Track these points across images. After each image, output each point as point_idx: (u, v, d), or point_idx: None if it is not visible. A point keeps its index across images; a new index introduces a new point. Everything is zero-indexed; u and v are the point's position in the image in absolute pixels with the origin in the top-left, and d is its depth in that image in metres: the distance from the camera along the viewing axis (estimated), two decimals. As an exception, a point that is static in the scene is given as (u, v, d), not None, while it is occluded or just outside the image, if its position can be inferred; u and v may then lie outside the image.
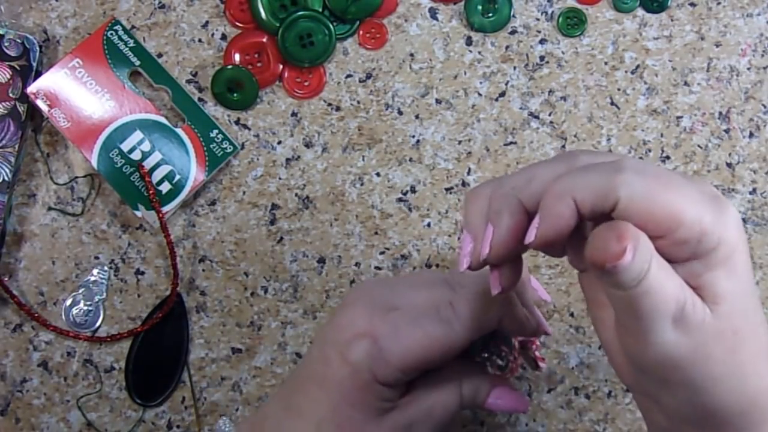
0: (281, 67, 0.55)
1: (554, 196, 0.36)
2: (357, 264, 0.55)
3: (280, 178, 0.55)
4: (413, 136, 0.55)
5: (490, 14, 0.55)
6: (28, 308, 0.54)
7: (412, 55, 0.55)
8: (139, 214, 0.54)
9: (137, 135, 0.54)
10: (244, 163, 0.55)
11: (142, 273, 0.55)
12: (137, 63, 0.54)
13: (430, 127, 0.55)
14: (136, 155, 0.54)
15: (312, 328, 0.55)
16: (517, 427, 0.54)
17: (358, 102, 0.55)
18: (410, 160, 0.55)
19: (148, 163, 0.54)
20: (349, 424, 0.43)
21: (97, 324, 0.55)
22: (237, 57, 0.55)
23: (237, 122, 0.55)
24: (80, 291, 0.55)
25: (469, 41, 0.55)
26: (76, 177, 0.55)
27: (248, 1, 0.55)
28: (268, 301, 0.55)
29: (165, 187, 0.54)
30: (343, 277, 0.55)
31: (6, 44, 0.53)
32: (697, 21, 0.55)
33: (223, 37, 0.56)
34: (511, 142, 0.55)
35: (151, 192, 0.53)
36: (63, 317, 0.55)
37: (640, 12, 0.55)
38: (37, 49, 0.53)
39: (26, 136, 0.55)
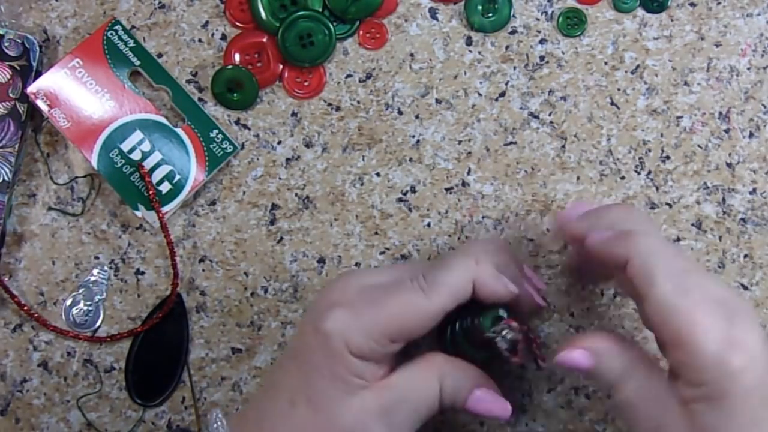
0: (281, 67, 0.55)
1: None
2: (357, 264, 0.55)
3: (280, 178, 0.55)
4: (413, 136, 0.55)
5: (490, 14, 0.55)
6: (28, 308, 0.54)
7: (412, 55, 0.55)
8: (139, 214, 0.54)
9: (137, 135, 0.54)
10: (244, 163, 0.55)
11: (142, 273, 0.55)
12: (137, 63, 0.54)
13: (430, 127, 0.55)
14: (136, 155, 0.54)
15: (312, 328, 0.55)
16: (518, 427, 0.54)
17: (358, 102, 0.55)
18: (410, 160, 0.55)
19: (148, 163, 0.54)
20: (319, 398, 0.43)
21: (97, 324, 0.55)
22: (237, 57, 0.55)
23: (237, 122, 0.55)
24: (80, 291, 0.55)
25: (469, 41, 0.56)
26: (76, 177, 0.55)
27: (248, 1, 0.55)
28: (268, 301, 0.55)
29: (165, 187, 0.54)
30: (343, 277, 0.55)
31: (6, 44, 0.53)
32: (697, 21, 0.55)
33: (223, 37, 0.56)
34: (511, 142, 0.55)
35: (151, 192, 0.53)
36: (63, 317, 0.55)
37: (640, 12, 0.55)
38: (37, 49, 0.53)
39: (26, 136, 0.55)
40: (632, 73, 0.55)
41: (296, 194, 0.55)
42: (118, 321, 0.55)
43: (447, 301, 0.43)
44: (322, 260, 0.55)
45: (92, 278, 0.55)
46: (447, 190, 0.55)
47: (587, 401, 0.54)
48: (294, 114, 0.55)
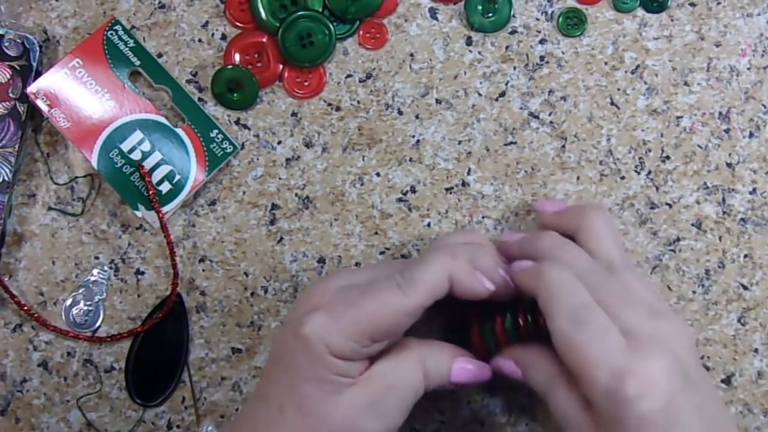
0: (281, 67, 0.55)
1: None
2: (357, 264, 0.55)
3: (280, 178, 0.55)
4: (413, 136, 0.55)
5: (490, 14, 0.55)
6: (28, 308, 0.54)
7: (412, 55, 0.55)
8: (139, 214, 0.54)
9: (137, 135, 0.54)
10: (244, 163, 0.55)
11: (142, 273, 0.55)
12: (137, 63, 0.54)
13: (430, 127, 0.55)
14: (136, 155, 0.54)
15: (312, 328, 0.55)
16: (517, 427, 0.54)
17: (358, 102, 0.55)
18: (410, 160, 0.55)
19: (148, 163, 0.54)
20: (307, 402, 0.43)
21: (97, 324, 0.55)
22: (237, 57, 0.55)
23: (237, 122, 0.55)
24: (80, 291, 0.55)
25: (469, 41, 0.56)
26: (76, 177, 0.55)
27: (248, 1, 0.55)
28: (268, 301, 0.55)
29: (165, 187, 0.54)
30: (343, 277, 0.55)
31: (6, 44, 0.53)
32: (697, 21, 0.55)
33: (223, 37, 0.56)
34: (511, 142, 0.55)
35: (151, 192, 0.53)
36: (63, 317, 0.55)
37: (640, 12, 0.55)
38: (37, 49, 0.53)
39: (26, 136, 0.55)
40: (632, 73, 0.55)
41: (296, 194, 0.55)
42: (118, 321, 0.55)
43: (424, 298, 0.44)
44: (322, 260, 0.55)
45: (92, 278, 0.55)
46: (447, 190, 0.55)
47: (587, 401, 0.54)
48: (294, 114, 0.55)
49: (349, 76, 0.55)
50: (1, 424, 0.54)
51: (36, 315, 0.54)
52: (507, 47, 0.55)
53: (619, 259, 0.47)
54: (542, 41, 0.55)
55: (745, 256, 0.54)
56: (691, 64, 0.55)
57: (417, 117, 0.55)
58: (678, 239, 0.55)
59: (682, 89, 0.55)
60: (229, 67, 0.55)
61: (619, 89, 0.55)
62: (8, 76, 0.53)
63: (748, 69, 0.55)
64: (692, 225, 0.55)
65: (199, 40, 0.56)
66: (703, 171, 0.55)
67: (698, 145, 0.55)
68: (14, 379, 0.55)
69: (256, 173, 0.55)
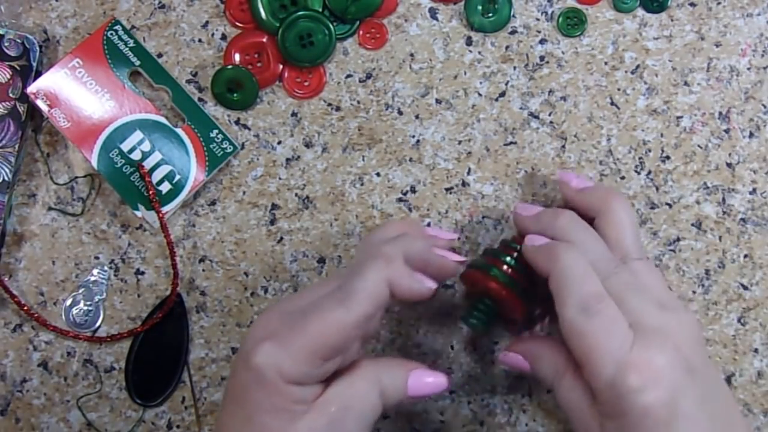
0: (281, 67, 0.55)
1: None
2: (357, 264, 0.55)
3: (280, 178, 0.55)
4: (413, 136, 0.55)
5: (490, 14, 0.55)
6: (28, 308, 0.54)
7: (412, 55, 0.55)
8: (139, 214, 0.54)
9: (137, 135, 0.54)
10: (244, 163, 0.55)
11: (142, 273, 0.55)
12: (137, 63, 0.54)
13: (430, 127, 0.55)
14: (136, 155, 0.54)
15: (312, 328, 0.55)
16: (517, 427, 0.54)
17: (358, 102, 0.55)
18: (410, 160, 0.55)
19: (148, 163, 0.54)
20: None
21: (97, 324, 0.55)
22: (237, 57, 0.55)
23: (237, 122, 0.55)
24: (80, 291, 0.55)
25: (469, 41, 0.56)
26: (76, 177, 0.55)
27: (248, 1, 0.55)
28: (268, 301, 0.55)
29: (165, 187, 0.54)
30: (343, 277, 0.55)
31: (6, 44, 0.53)
32: (697, 21, 0.55)
33: (223, 37, 0.56)
34: (511, 142, 0.55)
35: (151, 192, 0.53)
36: (63, 317, 0.55)
37: (640, 12, 0.55)
38: (37, 49, 0.53)
39: (26, 136, 0.55)
40: (632, 73, 0.55)
41: (296, 194, 0.55)
42: (118, 321, 0.55)
43: (366, 309, 0.43)
44: (322, 260, 0.55)
45: (92, 278, 0.55)
46: (447, 190, 0.55)
47: (587, 401, 0.54)
48: (294, 114, 0.55)
49: (349, 76, 0.55)
50: (1, 424, 0.54)
51: (36, 315, 0.54)
52: (507, 47, 0.55)
53: (635, 249, 0.47)
54: (542, 41, 0.55)
55: (745, 256, 0.54)
56: (691, 64, 0.55)
57: (417, 117, 0.55)
58: (678, 239, 0.55)
59: (682, 89, 0.55)
60: (229, 67, 0.55)
61: (619, 89, 0.55)
62: (8, 76, 0.53)
63: (748, 69, 0.55)
64: (692, 225, 0.55)
65: (199, 40, 0.56)
66: (703, 171, 0.55)
67: (698, 145, 0.55)
68: (14, 379, 0.55)
69: (256, 173, 0.55)
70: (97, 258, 0.55)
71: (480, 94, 0.55)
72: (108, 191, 0.55)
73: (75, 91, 0.53)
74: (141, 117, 0.54)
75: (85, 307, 0.55)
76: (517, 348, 0.50)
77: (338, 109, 0.55)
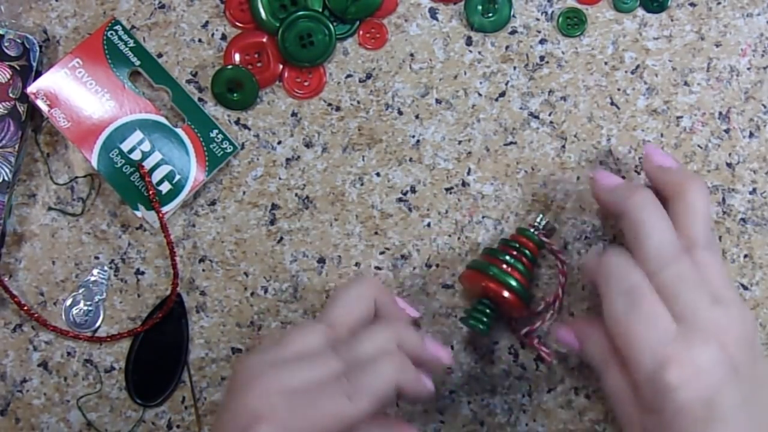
0: (281, 67, 0.55)
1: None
2: (357, 264, 0.55)
3: (280, 178, 0.55)
4: (413, 136, 0.55)
5: (490, 14, 0.55)
6: (28, 308, 0.54)
7: (412, 55, 0.55)
8: (139, 214, 0.54)
9: (137, 135, 0.54)
10: (244, 163, 0.55)
11: (142, 273, 0.55)
12: (137, 63, 0.54)
13: (430, 127, 0.55)
14: (136, 155, 0.54)
15: (312, 328, 0.55)
16: (517, 427, 0.54)
17: (358, 102, 0.55)
18: (410, 160, 0.55)
19: (148, 163, 0.54)
20: None
21: (97, 324, 0.55)
22: (237, 57, 0.55)
23: (237, 122, 0.55)
24: (80, 291, 0.55)
25: (469, 41, 0.55)
26: (76, 177, 0.55)
27: (248, 1, 0.55)
28: (268, 301, 0.55)
29: (165, 187, 0.54)
30: (343, 277, 0.55)
31: (6, 44, 0.53)
32: (697, 21, 0.55)
33: (223, 37, 0.56)
34: (511, 142, 0.55)
35: (151, 192, 0.53)
36: (63, 317, 0.55)
37: (640, 12, 0.55)
38: (37, 49, 0.53)
39: (26, 136, 0.55)
40: (632, 73, 0.55)
41: (296, 194, 0.55)
42: (118, 321, 0.55)
43: (372, 408, 0.42)
44: (322, 260, 0.55)
45: (92, 278, 0.55)
46: (447, 190, 0.55)
47: (587, 401, 0.54)
48: (294, 114, 0.55)
49: (349, 76, 0.55)
50: (1, 424, 0.54)
51: (36, 315, 0.54)
52: (507, 47, 0.55)
53: (704, 237, 0.46)
54: (542, 41, 0.55)
55: (745, 256, 0.54)
56: (691, 64, 0.55)
57: (417, 117, 0.55)
58: (678, 239, 0.55)
59: (682, 89, 0.55)
60: (229, 67, 0.55)
61: (619, 89, 0.55)
62: (8, 76, 0.53)
63: (748, 69, 0.55)
64: (692, 225, 0.55)
65: (199, 40, 0.56)
66: (703, 171, 0.55)
67: (698, 145, 0.55)
68: (14, 379, 0.55)
69: (256, 173, 0.55)
70: (97, 258, 0.55)
71: (480, 94, 0.55)
72: (108, 191, 0.55)
73: (75, 91, 0.53)
74: (141, 117, 0.54)
75: (85, 307, 0.55)
76: (571, 326, 0.49)
77: (338, 109, 0.55)
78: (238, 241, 0.55)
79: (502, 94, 0.55)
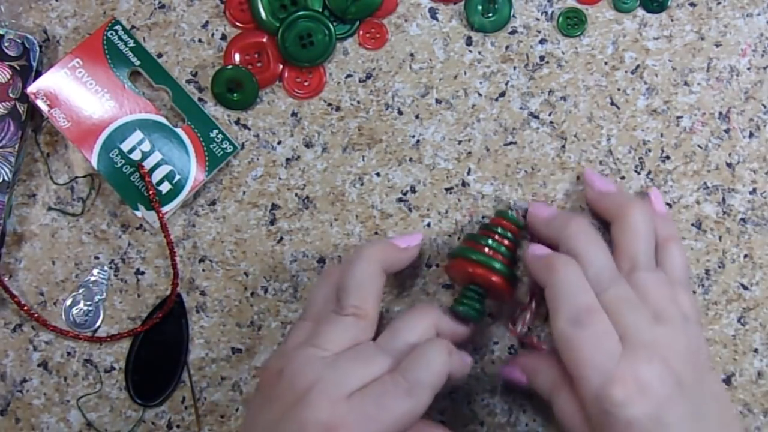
0: (281, 67, 0.55)
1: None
2: (357, 264, 0.55)
3: (280, 178, 0.55)
4: (413, 136, 0.55)
5: (490, 14, 0.55)
6: (28, 308, 0.54)
7: (412, 55, 0.55)
8: (139, 214, 0.54)
9: (137, 135, 0.54)
10: (244, 163, 0.55)
11: (142, 273, 0.55)
12: (137, 63, 0.54)
13: (430, 127, 0.55)
14: (136, 155, 0.54)
15: (312, 328, 0.55)
16: (517, 427, 0.54)
17: (358, 102, 0.55)
18: (410, 160, 0.55)
19: (148, 163, 0.54)
20: None
21: (97, 324, 0.55)
22: (237, 57, 0.55)
23: (237, 122, 0.55)
24: (80, 291, 0.55)
25: (469, 41, 0.56)
26: (76, 177, 0.55)
27: (248, 1, 0.55)
28: (268, 301, 0.55)
29: (165, 187, 0.54)
30: (343, 277, 0.55)
31: (6, 44, 0.53)
32: (697, 21, 0.55)
33: (223, 37, 0.56)
34: (511, 142, 0.55)
35: (151, 192, 0.53)
36: (63, 317, 0.55)
37: (640, 12, 0.55)
38: (37, 49, 0.53)
39: (26, 136, 0.55)
40: (632, 73, 0.55)
41: (296, 194, 0.55)
42: (118, 321, 0.55)
43: (431, 399, 0.43)
44: (322, 260, 0.55)
45: (92, 278, 0.55)
46: (447, 190, 0.55)
47: (587, 401, 0.54)
48: (294, 114, 0.55)
49: (349, 76, 0.55)
50: (1, 424, 0.54)
51: (36, 315, 0.54)
52: (507, 47, 0.55)
53: (644, 259, 0.48)
54: (542, 41, 0.55)
55: (745, 256, 0.54)
56: (691, 64, 0.55)
57: (417, 117, 0.55)
58: (678, 239, 0.55)
59: (682, 89, 0.55)
60: (229, 67, 0.55)
61: (619, 89, 0.55)
62: (8, 76, 0.53)
63: (748, 69, 0.55)
64: (692, 225, 0.55)
65: (199, 40, 0.56)
66: (703, 171, 0.55)
67: (698, 145, 0.55)
68: (14, 379, 0.55)
69: (256, 173, 0.55)
70: (97, 258, 0.55)
71: (480, 94, 0.55)
72: (108, 191, 0.55)
73: (75, 91, 0.53)
74: (141, 117, 0.54)
75: (85, 307, 0.55)
76: (515, 362, 0.51)
77: (338, 109, 0.55)
78: (238, 241, 0.55)
79: (502, 94, 0.55)
